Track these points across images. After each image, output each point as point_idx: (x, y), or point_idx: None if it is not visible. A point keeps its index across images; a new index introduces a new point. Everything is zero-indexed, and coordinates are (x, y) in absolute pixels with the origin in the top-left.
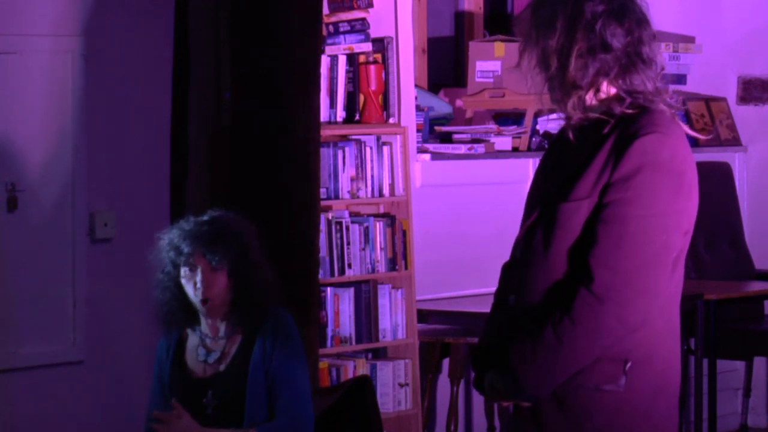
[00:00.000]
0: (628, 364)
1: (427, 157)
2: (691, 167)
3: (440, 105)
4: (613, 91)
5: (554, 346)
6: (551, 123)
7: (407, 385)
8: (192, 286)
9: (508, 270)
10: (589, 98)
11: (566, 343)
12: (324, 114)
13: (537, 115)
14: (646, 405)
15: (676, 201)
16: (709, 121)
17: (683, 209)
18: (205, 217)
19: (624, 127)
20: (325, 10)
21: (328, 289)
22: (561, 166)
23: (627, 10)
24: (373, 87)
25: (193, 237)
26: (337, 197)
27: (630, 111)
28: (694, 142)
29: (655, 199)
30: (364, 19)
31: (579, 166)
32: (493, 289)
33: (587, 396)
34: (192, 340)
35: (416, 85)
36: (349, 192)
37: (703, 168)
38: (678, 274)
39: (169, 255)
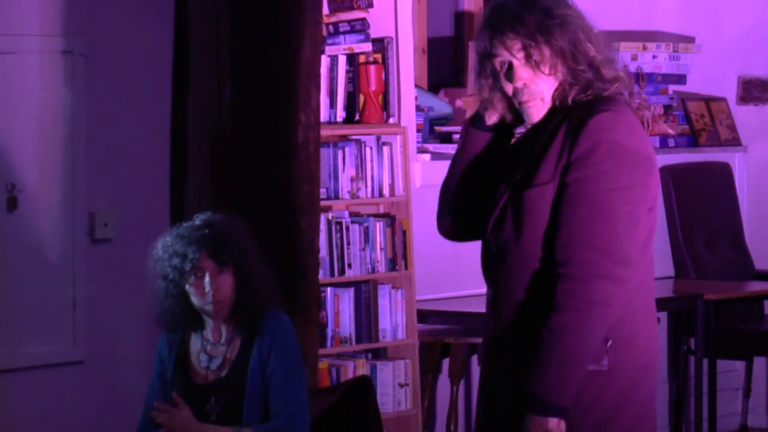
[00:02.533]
0: (609, 342)
1: (427, 157)
2: (647, 144)
3: (440, 105)
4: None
5: (557, 346)
6: None
7: (407, 385)
8: (199, 292)
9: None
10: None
11: (567, 337)
12: (324, 114)
13: None
14: (631, 383)
15: (637, 175)
16: (709, 121)
17: (645, 183)
18: (198, 222)
19: (577, 110)
20: (325, 10)
21: (328, 289)
22: (523, 154)
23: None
24: (373, 87)
25: (197, 241)
26: (337, 197)
27: (582, 97)
28: (695, 142)
29: (615, 174)
30: (364, 19)
31: (538, 152)
32: None
33: None
34: (194, 343)
35: (416, 85)
36: (349, 192)
37: (703, 168)
38: (649, 257)
39: (173, 262)
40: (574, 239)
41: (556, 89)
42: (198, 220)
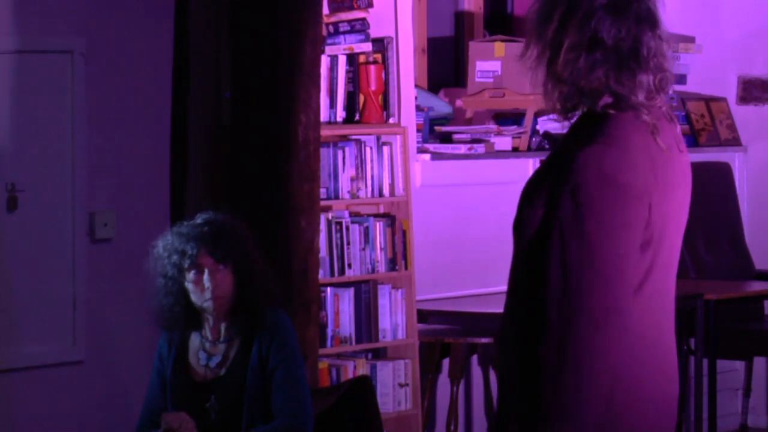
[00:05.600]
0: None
1: (427, 157)
2: (641, 171)
3: (440, 105)
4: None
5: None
6: (551, 123)
7: (407, 385)
8: (198, 289)
9: None
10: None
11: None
12: (324, 114)
13: (537, 115)
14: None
15: (625, 214)
16: (709, 121)
17: (634, 218)
18: (199, 220)
19: (573, 134)
20: (325, 10)
21: (328, 289)
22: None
23: (627, 7)
24: (373, 87)
25: (197, 238)
26: (337, 197)
27: (581, 116)
28: (695, 142)
29: (604, 215)
30: (364, 19)
31: (541, 170)
32: (493, 289)
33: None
34: (194, 342)
35: (416, 85)
36: (349, 192)
37: (703, 168)
38: (647, 292)
39: (172, 259)
40: (561, 282)
41: (558, 96)
42: (199, 218)
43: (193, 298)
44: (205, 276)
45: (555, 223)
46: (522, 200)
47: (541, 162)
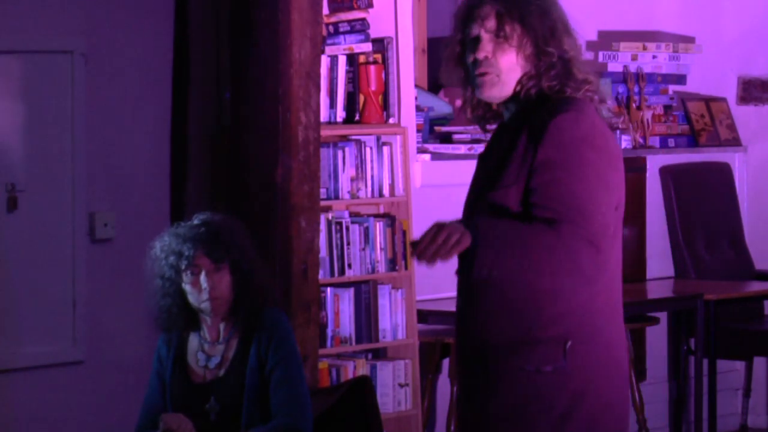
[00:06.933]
0: (569, 344)
1: (427, 157)
2: (611, 141)
3: (440, 105)
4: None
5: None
6: None
7: (407, 385)
8: (196, 290)
9: None
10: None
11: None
12: (324, 114)
13: None
14: (587, 382)
15: (604, 174)
16: (709, 121)
17: (611, 181)
18: (196, 221)
19: (540, 111)
20: (325, 10)
21: (328, 289)
22: (488, 156)
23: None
24: (373, 87)
25: (193, 239)
26: (337, 197)
27: (549, 92)
28: (694, 142)
29: (583, 174)
30: (364, 19)
31: (503, 153)
32: None
33: (529, 378)
34: (192, 343)
35: (416, 85)
36: (349, 192)
37: (703, 168)
38: (614, 259)
39: (169, 260)
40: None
41: (521, 78)
42: (196, 219)
43: (191, 299)
44: (202, 277)
45: (538, 192)
46: (480, 191)
47: (481, 157)
